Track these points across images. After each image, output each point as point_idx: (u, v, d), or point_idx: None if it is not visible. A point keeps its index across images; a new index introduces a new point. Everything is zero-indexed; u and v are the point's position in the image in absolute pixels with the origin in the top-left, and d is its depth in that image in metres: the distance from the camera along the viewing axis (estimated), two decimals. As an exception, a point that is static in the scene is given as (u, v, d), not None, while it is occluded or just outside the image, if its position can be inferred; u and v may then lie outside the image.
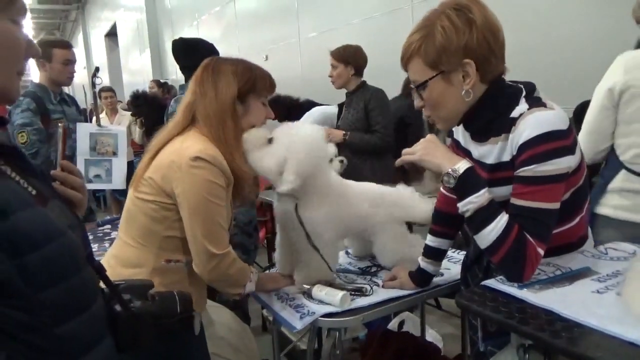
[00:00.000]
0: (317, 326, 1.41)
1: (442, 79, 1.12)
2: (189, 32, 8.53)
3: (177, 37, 2.91)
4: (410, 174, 3.35)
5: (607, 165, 1.75)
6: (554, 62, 3.03)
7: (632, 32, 1.94)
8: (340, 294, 1.38)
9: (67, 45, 2.72)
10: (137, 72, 12.34)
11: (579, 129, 1.85)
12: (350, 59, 2.89)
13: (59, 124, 0.97)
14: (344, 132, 2.85)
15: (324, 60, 2.99)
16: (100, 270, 0.82)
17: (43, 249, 0.68)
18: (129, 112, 5.04)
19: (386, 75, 3.68)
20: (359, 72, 2.94)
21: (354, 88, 2.94)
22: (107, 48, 15.41)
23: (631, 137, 1.64)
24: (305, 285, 1.48)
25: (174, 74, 9.58)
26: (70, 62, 2.67)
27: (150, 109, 4.30)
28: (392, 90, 2.98)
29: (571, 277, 1.11)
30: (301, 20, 6.01)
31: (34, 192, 0.73)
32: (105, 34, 15.22)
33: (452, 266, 1.64)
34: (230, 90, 1.38)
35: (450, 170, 1.11)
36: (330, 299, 1.39)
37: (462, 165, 1.11)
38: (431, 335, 2.39)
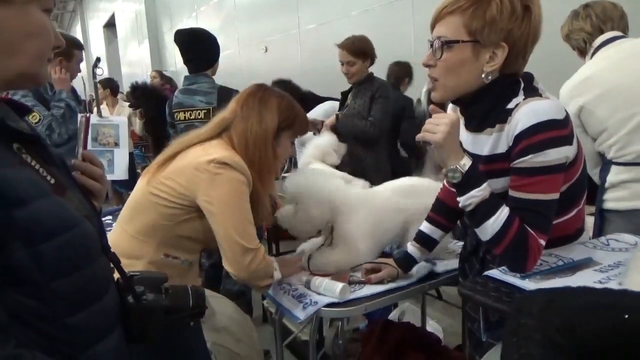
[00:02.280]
0: (319, 316, 1.42)
1: (471, 49, 1.09)
2: (187, 23, 8.48)
3: (175, 28, 2.89)
4: (411, 164, 3.35)
5: (602, 169, 1.91)
6: (559, 52, 3.02)
7: (636, 24, 1.94)
8: (339, 285, 1.38)
9: (83, 46, 2.76)
10: (136, 64, 12.30)
11: None
12: (367, 51, 2.77)
13: (81, 114, 0.98)
14: (336, 113, 2.77)
15: (324, 51, 2.97)
16: (115, 261, 0.83)
17: (58, 238, 0.68)
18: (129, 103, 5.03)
19: (385, 67, 3.67)
20: (373, 63, 2.85)
21: (362, 79, 2.84)
22: (105, 39, 15.34)
23: (609, 140, 1.82)
24: (303, 277, 1.48)
25: (173, 65, 9.54)
26: (81, 61, 2.70)
27: (148, 100, 4.28)
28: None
29: (573, 267, 1.12)
30: (301, 12, 5.98)
31: (52, 181, 0.74)
32: (104, 25, 15.15)
33: (449, 257, 1.65)
34: (273, 122, 1.43)
35: (457, 165, 1.09)
36: (329, 289, 1.39)
37: (467, 160, 1.09)
38: (432, 327, 2.40)
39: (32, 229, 0.66)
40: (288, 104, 1.49)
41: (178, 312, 0.88)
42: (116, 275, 0.84)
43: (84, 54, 2.74)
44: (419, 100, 3.70)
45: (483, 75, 1.10)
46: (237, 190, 1.35)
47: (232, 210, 1.34)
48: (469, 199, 1.09)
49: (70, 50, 2.57)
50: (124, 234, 1.42)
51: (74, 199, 0.77)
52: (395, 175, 2.28)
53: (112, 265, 0.83)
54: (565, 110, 1.10)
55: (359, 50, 2.74)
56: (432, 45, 1.14)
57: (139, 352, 0.87)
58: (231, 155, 1.36)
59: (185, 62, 2.76)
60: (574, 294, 0.81)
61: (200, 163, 1.34)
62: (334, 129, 2.72)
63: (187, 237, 1.41)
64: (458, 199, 1.12)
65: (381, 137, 2.80)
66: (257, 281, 1.43)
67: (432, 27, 1.15)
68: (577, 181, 1.16)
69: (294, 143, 1.56)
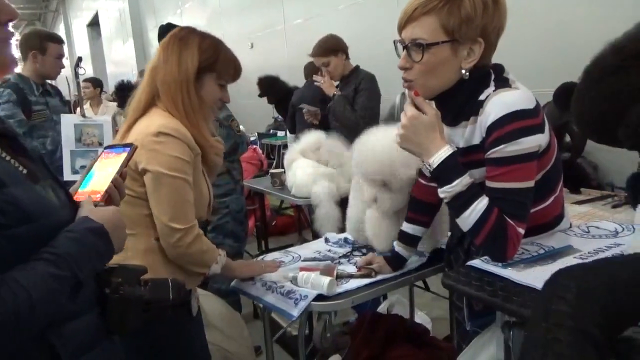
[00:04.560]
0: (308, 310, 1.42)
1: (450, 47, 1.10)
2: (172, 21, 8.36)
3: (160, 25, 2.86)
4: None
5: None
6: (538, 46, 3.05)
7: (617, 17, 1.96)
8: (326, 280, 1.38)
9: (61, 41, 2.71)
10: (121, 62, 12.19)
11: (561, 110, 1.89)
12: (336, 47, 2.86)
13: (133, 143, 0.99)
14: (337, 88, 2.85)
15: (310, 47, 2.96)
16: None
17: (36, 222, 0.70)
18: (113, 103, 5.00)
19: (373, 60, 3.67)
20: (348, 55, 2.92)
21: (347, 73, 2.91)
22: (89, 38, 15.19)
23: None
24: (290, 274, 1.48)
25: (159, 63, 9.46)
26: (62, 56, 2.65)
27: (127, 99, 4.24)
28: (378, 76, 2.97)
29: (554, 255, 1.14)
30: (286, 7, 5.97)
31: (25, 172, 0.75)
32: (87, 23, 14.99)
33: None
34: (192, 63, 1.35)
35: (426, 165, 1.12)
36: (316, 284, 1.39)
37: (437, 158, 1.10)
38: (420, 318, 2.42)
39: (9, 212, 0.67)
40: (211, 43, 1.40)
41: (157, 304, 0.88)
42: None
43: (65, 49, 2.70)
44: (403, 95, 3.72)
45: (463, 72, 1.12)
46: (170, 166, 1.28)
47: (164, 188, 1.28)
48: (441, 193, 1.12)
49: (43, 44, 2.53)
50: None
51: (48, 188, 0.78)
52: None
53: None
54: (536, 100, 1.11)
55: (325, 50, 2.85)
56: (405, 48, 1.13)
57: (139, 349, 0.87)
58: (168, 122, 1.30)
59: None
60: (598, 270, 0.80)
61: (137, 139, 1.27)
62: (325, 114, 2.75)
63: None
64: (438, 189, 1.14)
65: (363, 128, 2.81)
66: (189, 265, 1.35)
67: (402, 27, 1.13)
68: (551, 169, 1.17)
69: (225, 87, 1.43)
